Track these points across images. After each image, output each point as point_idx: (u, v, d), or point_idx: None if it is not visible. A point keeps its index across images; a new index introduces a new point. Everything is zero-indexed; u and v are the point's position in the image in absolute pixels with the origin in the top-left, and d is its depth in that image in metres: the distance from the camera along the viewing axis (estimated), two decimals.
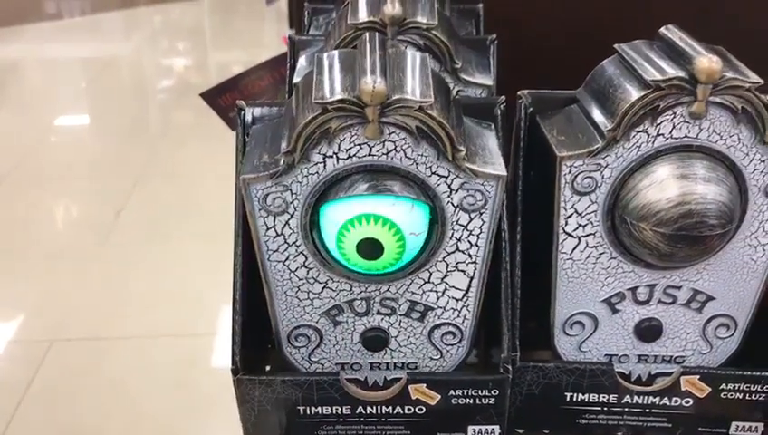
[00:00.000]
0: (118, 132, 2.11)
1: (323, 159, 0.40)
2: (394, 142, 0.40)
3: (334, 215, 0.41)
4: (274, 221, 0.42)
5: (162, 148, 2.03)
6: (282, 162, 0.40)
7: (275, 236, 0.42)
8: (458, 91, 0.52)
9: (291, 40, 0.56)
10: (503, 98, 0.47)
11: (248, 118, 0.46)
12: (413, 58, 0.42)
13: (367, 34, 0.43)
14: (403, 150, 0.40)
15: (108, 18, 2.91)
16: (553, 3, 0.68)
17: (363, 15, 0.50)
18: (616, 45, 0.45)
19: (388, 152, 0.40)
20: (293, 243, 0.43)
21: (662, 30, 0.43)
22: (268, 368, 0.51)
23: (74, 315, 1.47)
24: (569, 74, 0.48)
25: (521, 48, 0.57)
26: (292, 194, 0.41)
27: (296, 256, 0.43)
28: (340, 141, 0.40)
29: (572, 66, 0.47)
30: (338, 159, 0.40)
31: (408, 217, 0.41)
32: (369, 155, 0.40)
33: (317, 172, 0.40)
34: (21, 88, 2.49)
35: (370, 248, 0.41)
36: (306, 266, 0.44)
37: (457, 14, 0.62)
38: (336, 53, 0.42)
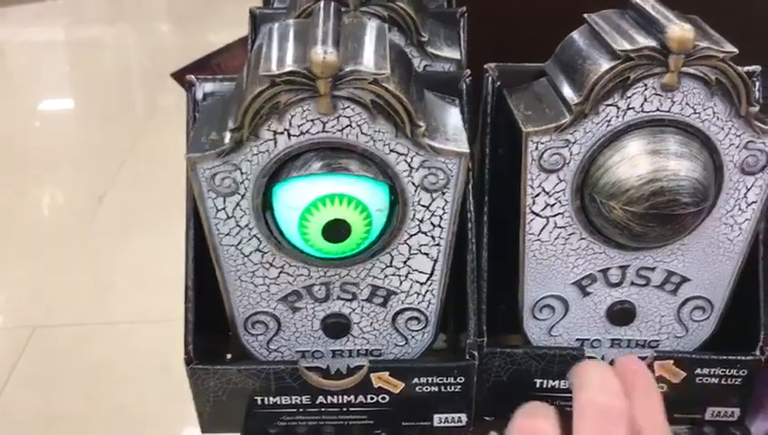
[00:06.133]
0: (101, 117, 2.09)
1: (273, 135, 0.38)
2: (348, 118, 0.38)
3: (289, 197, 0.39)
4: (224, 203, 0.40)
5: (146, 132, 2.01)
6: (229, 140, 0.38)
7: (226, 219, 0.40)
8: (425, 66, 0.50)
9: (252, 14, 0.54)
10: (467, 71, 0.44)
11: (199, 94, 0.44)
12: (370, 28, 0.40)
13: (321, 3, 0.40)
14: (358, 126, 0.38)
15: (91, 0, 2.87)
16: None
17: None
18: (586, 15, 0.42)
19: (342, 128, 0.38)
20: (246, 226, 0.41)
21: None
22: (229, 356, 0.49)
23: (57, 301, 1.45)
24: (542, 49, 0.45)
25: (492, 21, 0.55)
26: (241, 174, 0.39)
27: (249, 239, 0.41)
28: (291, 117, 0.37)
29: (546, 41, 0.45)
30: (289, 135, 0.38)
31: (371, 194, 0.39)
32: (323, 131, 0.38)
33: (267, 150, 0.38)
34: (3, 72, 2.46)
35: (337, 231, 0.38)
36: (260, 250, 0.41)
37: None
38: (290, 22, 0.40)
